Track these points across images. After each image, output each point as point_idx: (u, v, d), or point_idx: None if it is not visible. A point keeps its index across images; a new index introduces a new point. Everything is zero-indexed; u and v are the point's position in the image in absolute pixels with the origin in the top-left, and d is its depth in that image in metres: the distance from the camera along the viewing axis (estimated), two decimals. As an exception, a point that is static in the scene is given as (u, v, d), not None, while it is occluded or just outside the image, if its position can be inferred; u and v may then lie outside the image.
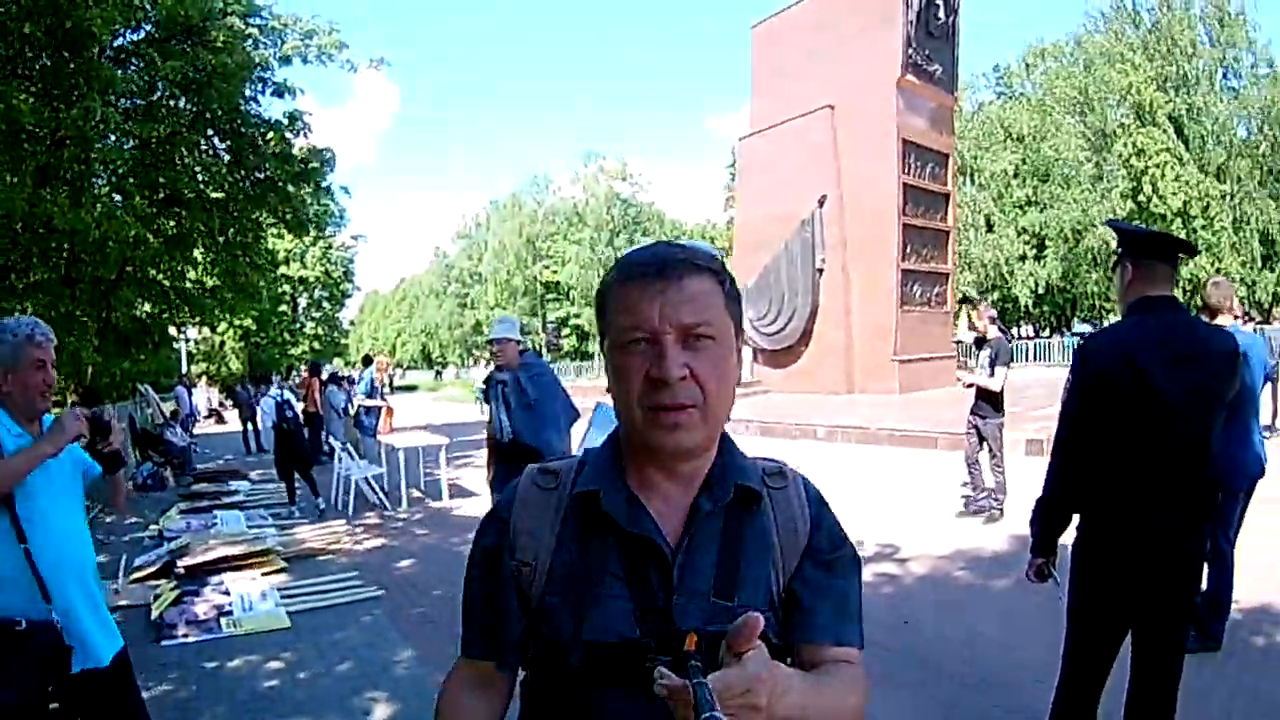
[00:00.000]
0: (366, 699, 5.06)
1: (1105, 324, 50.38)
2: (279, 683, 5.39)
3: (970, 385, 8.81)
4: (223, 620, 6.59)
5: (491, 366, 7.16)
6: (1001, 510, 8.71)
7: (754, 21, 26.11)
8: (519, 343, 6.87)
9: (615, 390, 1.26)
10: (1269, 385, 5.55)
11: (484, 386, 7.41)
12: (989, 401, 8.81)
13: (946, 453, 12.96)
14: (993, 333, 8.75)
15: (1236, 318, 5.98)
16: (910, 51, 21.81)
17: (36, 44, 11.30)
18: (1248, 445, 4.94)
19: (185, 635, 6.30)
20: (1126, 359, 2.97)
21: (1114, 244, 3.32)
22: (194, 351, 36.82)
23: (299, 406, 12.51)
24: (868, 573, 6.92)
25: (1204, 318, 5.13)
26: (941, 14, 23.06)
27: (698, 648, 1.02)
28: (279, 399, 11.68)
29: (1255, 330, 5.87)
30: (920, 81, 22.32)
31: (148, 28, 13.79)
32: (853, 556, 1.40)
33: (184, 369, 31.53)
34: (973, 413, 9.03)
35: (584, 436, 5.05)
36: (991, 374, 8.60)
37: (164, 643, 6.16)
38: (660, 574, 1.25)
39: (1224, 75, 44.85)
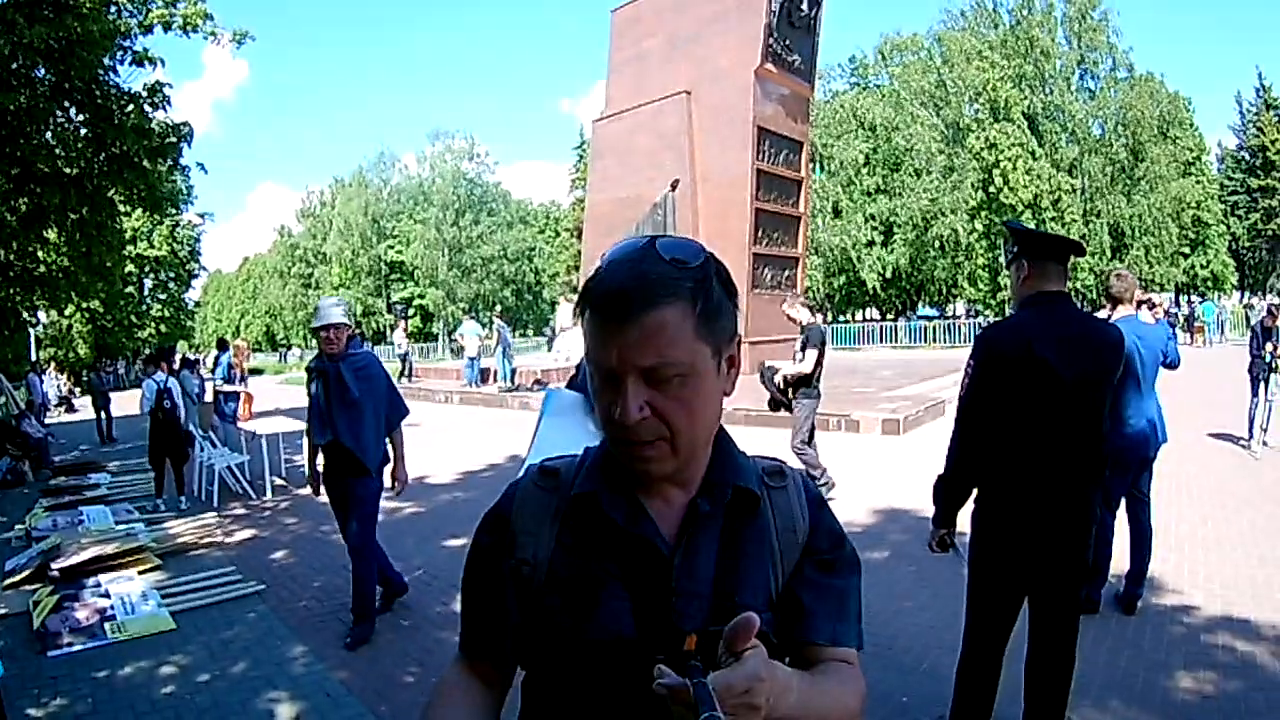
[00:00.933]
0: (268, 700, 4.93)
1: (949, 309, 52.74)
2: (176, 688, 5.17)
3: (784, 376, 9.09)
4: (106, 625, 6.29)
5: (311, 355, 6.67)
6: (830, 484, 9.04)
7: (615, 6, 26.38)
8: (349, 329, 6.14)
9: (598, 411, 1.23)
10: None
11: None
12: (803, 384, 9.05)
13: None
14: (805, 317, 8.99)
15: (1142, 304, 6.32)
16: (771, 41, 22.28)
17: None
18: (1138, 425, 5.38)
19: (70, 644, 5.97)
20: (1024, 345, 3.24)
21: (1009, 244, 3.55)
22: (41, 336, 35.15)
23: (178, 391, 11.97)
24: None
25: (1106, 305, 5.76)
26: (805, 6, 23.51)
27: (697, 648, 1.04)
28: (161, 384, 11.12)
29: (1159, 320, 6.22)
30: (779, 71, 22.82)
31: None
32: (852, 557, 1.40)
33: (33, 355, 30.09)
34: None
35: (536, 426, 4.71)
36: (802, 358, 8.88)
37: (50, 654, 5.81)
38: (659, 575, 1.24)
39: (1081, 77, 47.43)
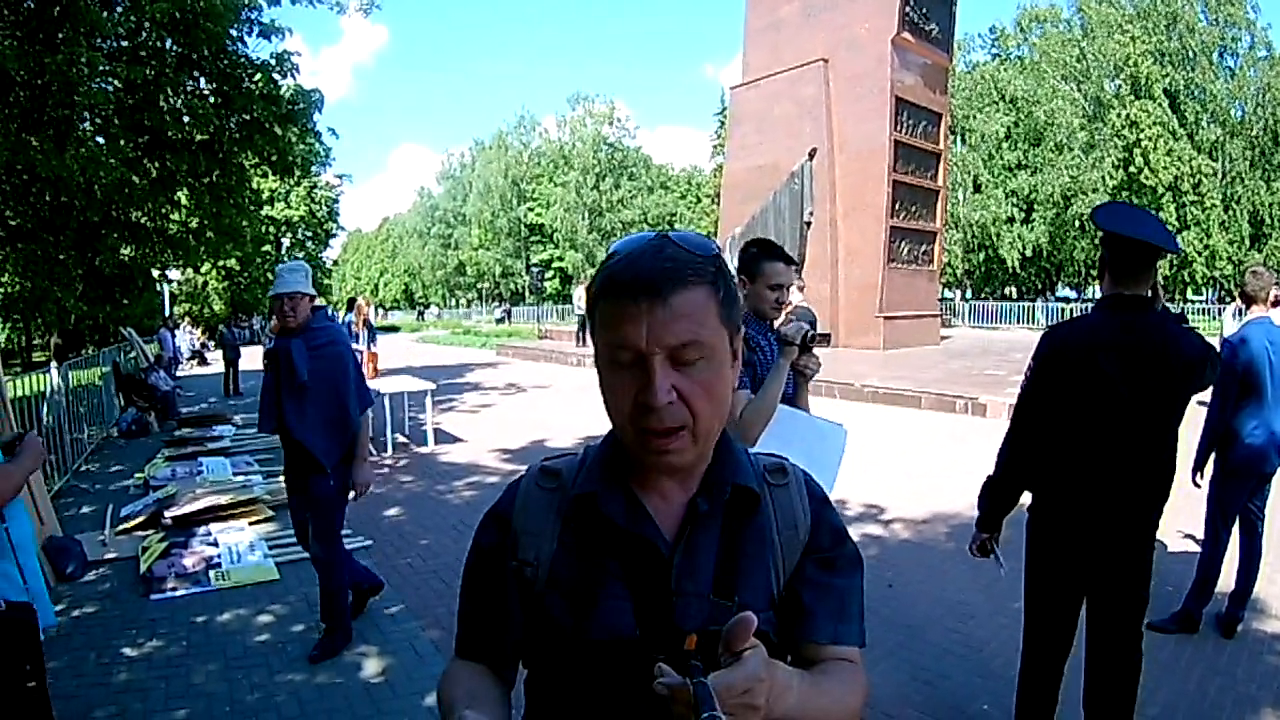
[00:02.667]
0: (357, 653, 5.07)
1: (1088, 291, 50.85)
2: (270, 637, 5.38)
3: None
4: (211, 573, 6.54)
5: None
6: None
7: None
8: (312, 298, 5.17)
9: (606, 401, 1.23)
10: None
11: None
12: None
13: (930, 412, 13.08)
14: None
15: (1276, 305, 5.99)
16: (908, 9, 21.68)
17: None
18: (1259, 438, 4.95)
19: (174, 589, 6.25)
20: (1088, 352, 3.08)
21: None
22: (177, 293, 36.55)
23: None
24: (853, 532, 6.92)
25: (1240, 304, 5.37)
26: None
27: (697, 648, 1.04)
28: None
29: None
30: (916, 39, 22.21)
31: (135, -33, 13.50)
32: (854, 555, 1.39)
33: (167, 311, 31.27)
34: None
35: None
36: None
37: (153, 597, 6.11)
38: (659, 574, 1.24)
39: (1221, 54, 44.83)
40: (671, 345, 1.15)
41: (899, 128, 22.03)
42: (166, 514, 7.86)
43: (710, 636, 1.05)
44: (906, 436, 11.35)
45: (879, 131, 21.71)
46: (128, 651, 5.18)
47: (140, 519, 7.96)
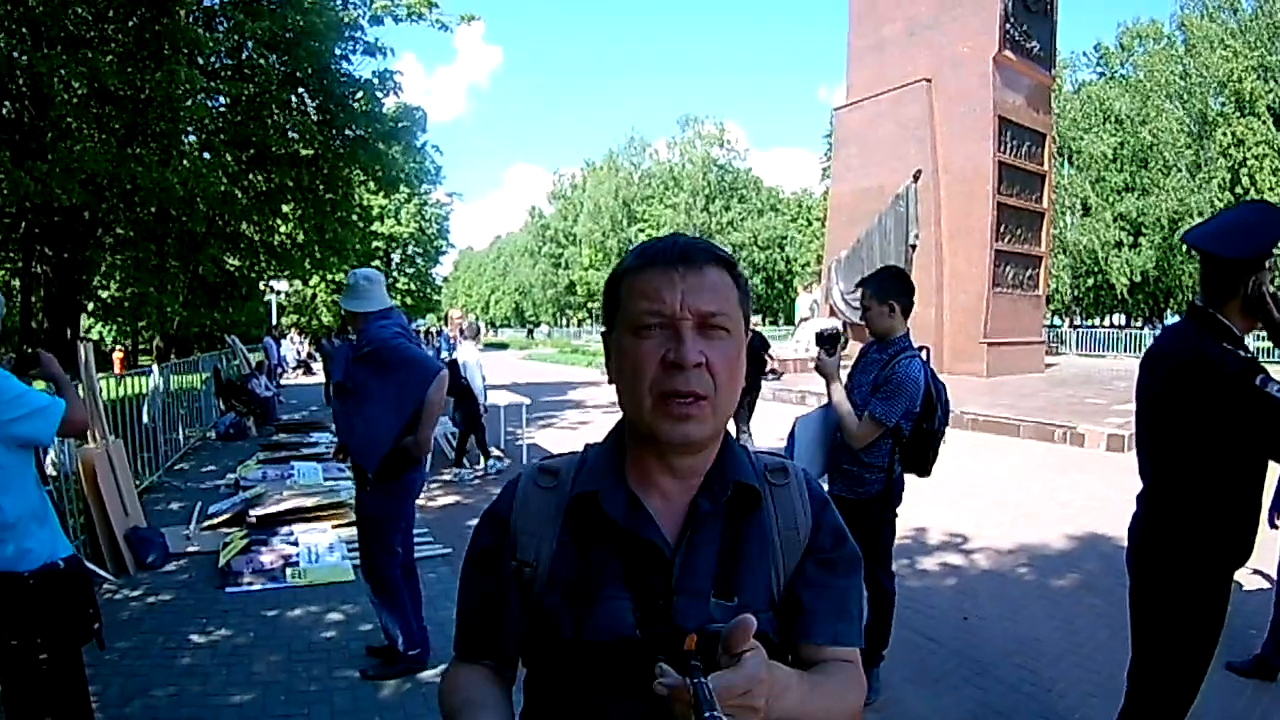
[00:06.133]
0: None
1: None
2: (336, 635, 5.50)
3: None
4: (288, 570, 6.70)
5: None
6: None
7: None
8: (370, 313, 4.85)
9: (623, 377, 1.26)
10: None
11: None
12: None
13: (1028, 441, 12.80)
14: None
15: None
16: (1008, 26, 21.19)
17: (120, 7, 11.55)
18: None
19: (249, 583, 6.45)
20: (1145, 365, 3.09)
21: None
22: (284, 304, 37.46)
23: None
24: (931, 562, 6.91)
25: None
26: None
27: (697, 648, 1.03)
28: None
29: None
30: (1018, 58, 21.68)
31: (236, -12, 14.00)
32: (854, 555, 1.40)
33: (273, 320, 32.07)
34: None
35: (790, 443, 4.34)
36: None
37: (228, 589, 6.32)
38: (660, 574, 1.24)
39: None
40: (703, 312, 1.21)
41: (1003, 148, 21.57)
42: (252, 513, 8.05)
43: (710, 637, 1.06)
44: (1001, 465, 11.11)
45: (983, 152, 21.27)
46: (195, 638, 5.36)
47: (226, 516, 8.21)
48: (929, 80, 22.39)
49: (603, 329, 1.37)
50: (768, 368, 11.53)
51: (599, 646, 1.22)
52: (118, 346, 27.38)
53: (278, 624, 5.69)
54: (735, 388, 1.26)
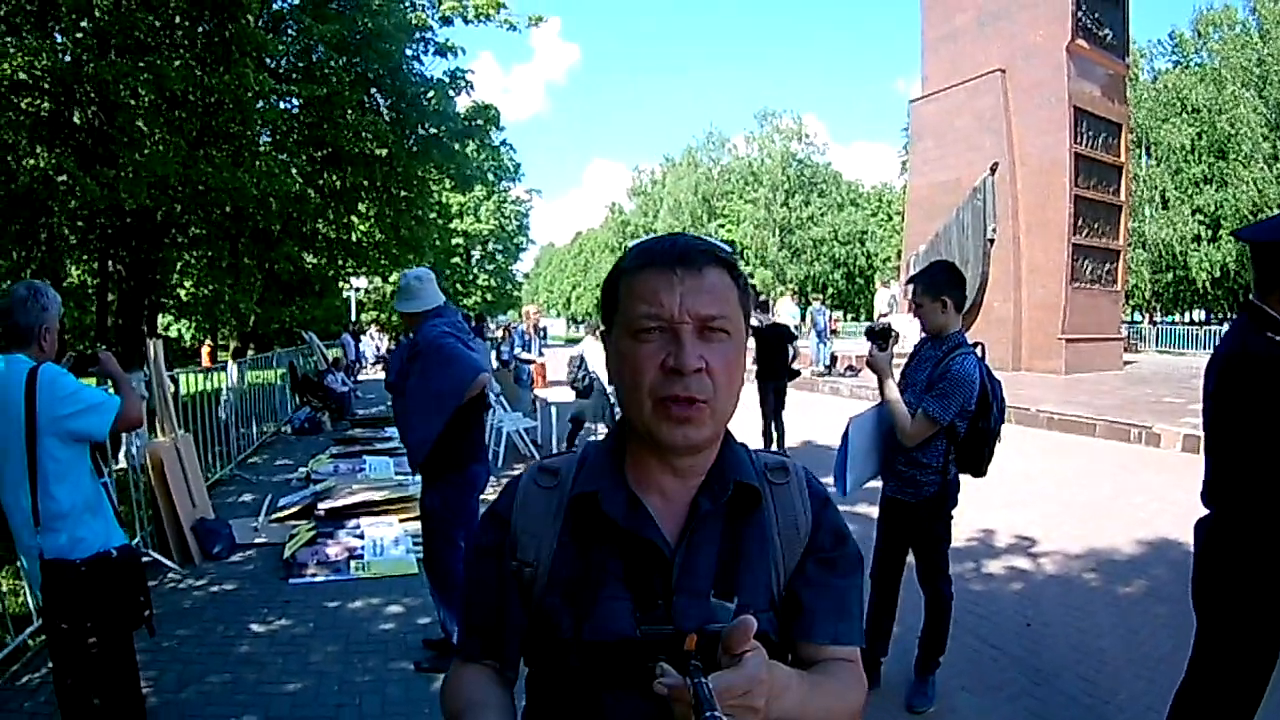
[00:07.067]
0: None
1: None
2: (394, 627, 5.57)
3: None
4: (352, 563, 6.79)
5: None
6: None
7: None
8: (423, 312, 4.98)
9: (623, 380, 1.26)
10: None
11: None
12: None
13: (1103, 441, 12.47)
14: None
15: None
16: (1080, 14, 20.72)
17: (185, 14, 11.80)
18: None
19: (313, 574, 6.56)
20: (1207, 367, 3.04)
21: None
22: (364, 300, 37.96)
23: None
24: (997, 565, 6.78)
25: None
26: None
27: (697, 648, 1.04)
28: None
29: None
30: (1091, 46, 21.17)
31: (302, -7, 14.27)
32: (855, 555, 1.39)
33: (352, 317, 32.53)
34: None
35: (844, 464, 4.19)
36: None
37: (291, 580, 6.44)
38: (660, 574, 1.24)
39: None
40: (702, 316, 1.19)
41: (1079, 140, 21.04)
42: (320, 506, 8.15)
43: (710, 636, 1.06)
44: (1074, 465, 10.84)
45: (1059, 144, 20.79)
46: (255, 627, 5.49)
47: (295, 509, 8.35)
48: (1003, 71, 21.95)
49: (600, 329, 1.38)
50: (793, 362, 11.51)
51: (599, 646, 1.22)
52: (206, 341, 27.99)
53: (338, 615, 5.78)
54: (735, 389, 1.26)
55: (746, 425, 12.99)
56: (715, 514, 1.29)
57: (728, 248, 1.28)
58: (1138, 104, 36.37)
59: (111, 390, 3.59)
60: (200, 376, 11.24)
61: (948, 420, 3.98)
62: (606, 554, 1.26)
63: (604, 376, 10.66)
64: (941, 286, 4.14)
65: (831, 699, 1.24)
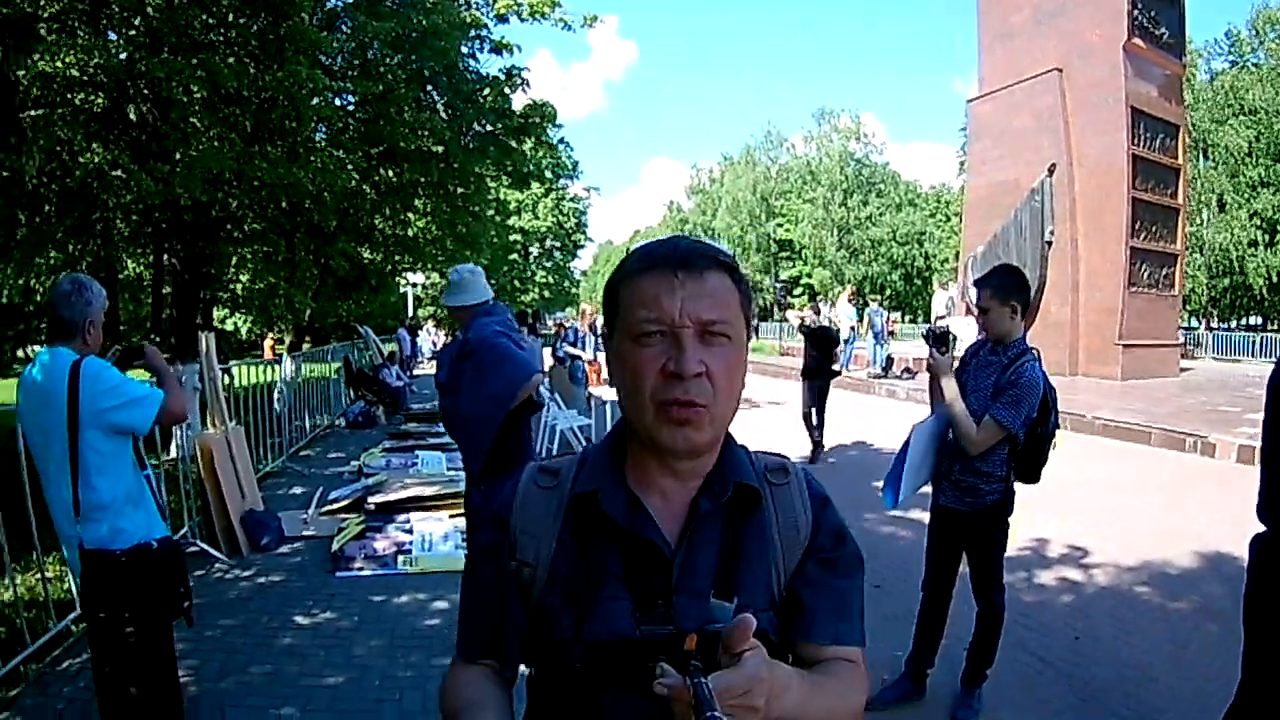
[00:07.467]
0: None
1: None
2: (440, 623, 5.57)
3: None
4: (400, 558, 6.81)
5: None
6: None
7: None
8: (469, 306, 4.96)
9: (624, 384, 1.26)
10: None
11: None
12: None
13: (1158, 449, 12.13)
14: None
15: None
16: (1136, 12, 20.17)
17: (239, 11, 11.95)
18: None
19: (360, 568, 6.58)
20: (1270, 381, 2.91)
21: None
22: (421, 296, 38.28)
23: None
24: (1048, 575, 6.64)
25: None
26: None
27: (697, 648, 1.03)
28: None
29: None
30: (1147, 45, 20.60)
31: (355, -9, 14.43)
32: (855, 555, 1.39)
33: (410, 312, 32.83)
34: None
35: (899, 473, 4.18)
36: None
37: (338, 574, 6.48)
38: (660, 574, 1.24)
39: None
40: (703, 320, 1.19)
41: (1136, 141, 20.51)
42: (370, 500, 8.19)
43: (710, 637, 1.06)
44: (1128, 474, 10.61)
45: (1117, 145, 20.29)
46: (299, 619, 5.53)
47: (345, 502, 8.41)
48: (1060, 70, 21.47)
49: (603, 332, 1.36)
50: (834, 363, 11.71)
51: (599, 646, 1.22)
52: (268, 334, 28.39)
53: (383, 610, 5.80)
54: (735, 393, 1.25)
55: (788, 421, 12.96)
56: (715, 514, 1.29)
57: (729, 251, 1.29)
58: (1194, 105, 35.49)
59: (155, 384, 3.62)
60: (256, 369, 11.40)
61: (1017, 428, 3.90)
62: (606, 554, 1.26)
63: None
64: (1011, 291, 4.03)
65: (832, 699, 1.24)
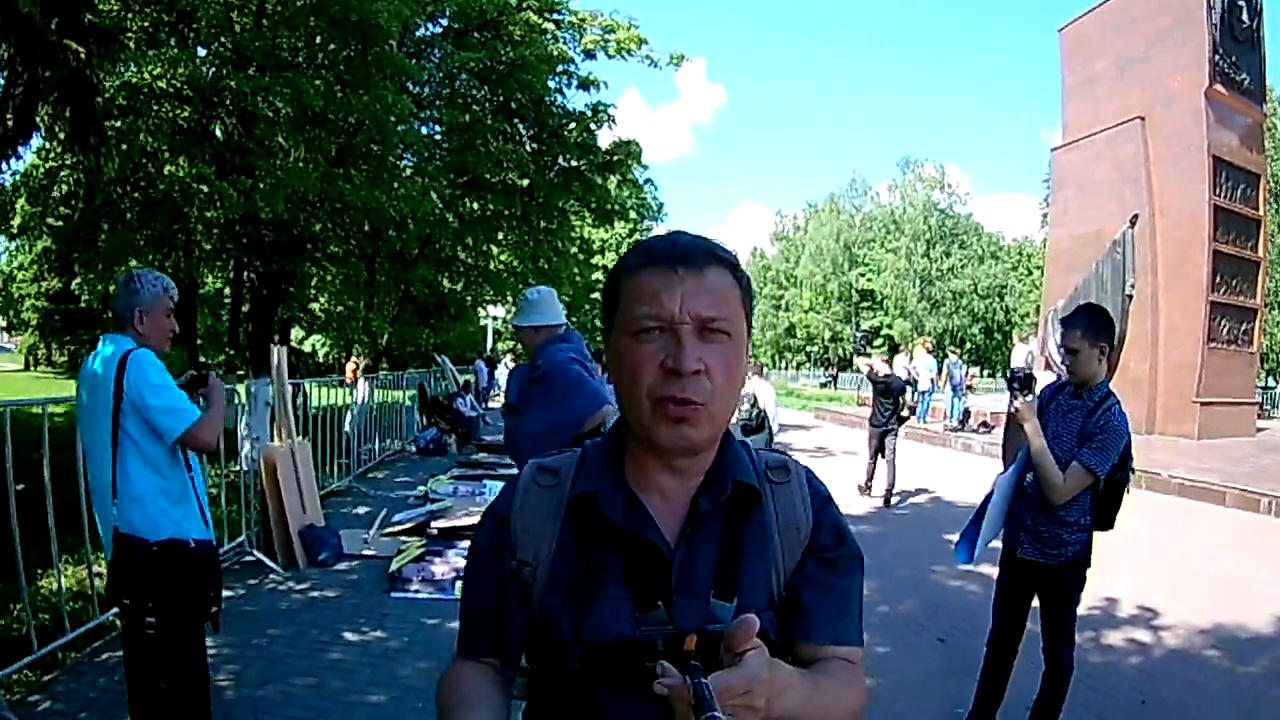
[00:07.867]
0: None
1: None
2: (490, 649, 5.52)
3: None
4: (457, 584, 6.63)
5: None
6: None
7: (1061, 24, 24.30)
8: (542, 329, 4.88)
9: (621, 380, 1.25)
10: None
11: None
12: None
13: (1233, 511, 11.71)
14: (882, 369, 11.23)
15: None
16: (1217, 58, 19.68)
17: (324, 36, 12.21)
18: None
19: (416, 590, 6.58)
20: None
21: None
22: (500, 330, 38.71)
23: None
24: (1116, 636, 6.37)
25: None
26: (1245, 15, 20.68)
27: (697, 648, 1.04)
28: None
29: None
30: (1229, 92, 20.13)
31: (444, 21, 14.69)
32: (855, 554, 1.38)
33: (489, 346, 33.17)
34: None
35: (977, 528, 4.09)
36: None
37: (394, 594, 6.48)
38: (660, 574, 1.24)
39: None
40: (703, 317, 1.18)
41: (1218, 191, 20.02)
42: (434, 524, 8.17)
43: (711, 637, 1.07)
44: (1202, 534, 10.23)
45: (1198, 195, 19.81)
46: (349, 635, 5.52)
47: (408, 525, 8.41)
48: (1142, 118, 21.01)
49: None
50: (904, 409, 11.71)
51: (599, 647, 1.21)
52: (351, 358, 28.98)
53: (435, 633, 5.76)
54: (733, 391, 1.25)
55: (851, 470, 12.78)
56: (715, 514, 1.29)
57: (729, 248, 1.28)
58: (1275, 154, 34.50)
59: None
60: (331, 389, 11.52)
61: (1105, 474, 3.75)
62: (606, 554, 1.26)
63: (771, 411, 10.82)
64: (1100, 332, 3.88)
65: (832, 699, 1.23)
